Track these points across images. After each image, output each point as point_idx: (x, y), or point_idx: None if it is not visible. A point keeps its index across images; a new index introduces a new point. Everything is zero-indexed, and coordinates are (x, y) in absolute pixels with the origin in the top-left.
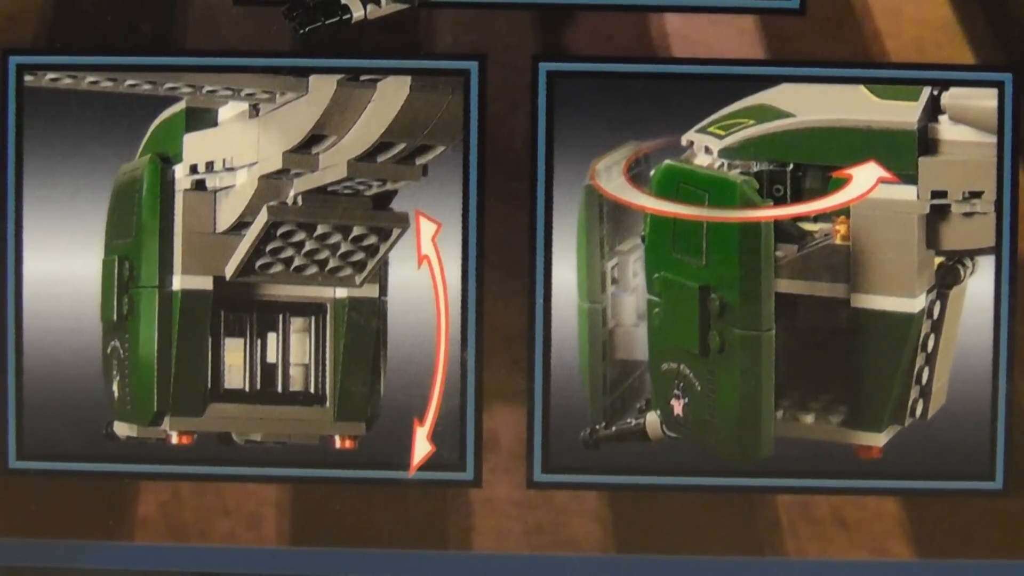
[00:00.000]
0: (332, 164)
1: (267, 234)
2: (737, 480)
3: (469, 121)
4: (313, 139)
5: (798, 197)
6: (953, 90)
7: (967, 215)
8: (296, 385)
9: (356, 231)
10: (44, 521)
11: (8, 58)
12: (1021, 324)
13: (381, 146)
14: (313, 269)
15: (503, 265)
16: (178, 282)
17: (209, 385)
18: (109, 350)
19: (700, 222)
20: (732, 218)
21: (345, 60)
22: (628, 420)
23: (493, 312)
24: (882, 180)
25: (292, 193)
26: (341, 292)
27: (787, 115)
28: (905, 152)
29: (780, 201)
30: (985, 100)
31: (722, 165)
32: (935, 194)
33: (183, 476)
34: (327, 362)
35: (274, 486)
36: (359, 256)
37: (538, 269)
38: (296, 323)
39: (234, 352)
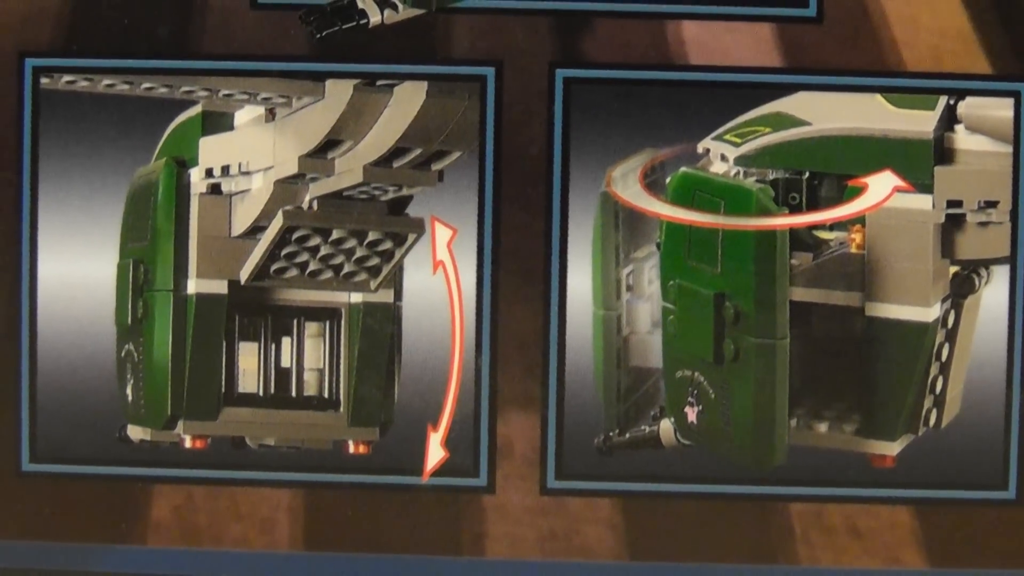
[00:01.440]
0: (348, 169)
1: (282, 238)
2: (750, 488)
3: (485, 127)
4: (329, 144)
5: (814, 205)
6: (969, 99)
7: (982, 224)
8: (310, 390)
9: (371, 236)
10: (57, 524)
11: (24, 60)
12: None
13: (397, 151)
14: (328, 274)
15: (518, 271)
16: (193, 286)
17: (223, 389)
18: (123, 353)
19: (715, 230)
20: (748, 226)
21: (362, 65)
22: (642, 427)
23: (508, 318)
24: (898, 189)
25: (307, 198)
26: (356, 297)
27: (803, 123)
28: (921, 161)
29: (796, 209)
30: (1001, 110)
31: (738, 173)
32: (951, 203)
33: (196, 480)
34: (341, 367)
35: (287, 491)
36: (374, 261)
37: (553, 276)
38: (311, 328)
39: (248, 356)
